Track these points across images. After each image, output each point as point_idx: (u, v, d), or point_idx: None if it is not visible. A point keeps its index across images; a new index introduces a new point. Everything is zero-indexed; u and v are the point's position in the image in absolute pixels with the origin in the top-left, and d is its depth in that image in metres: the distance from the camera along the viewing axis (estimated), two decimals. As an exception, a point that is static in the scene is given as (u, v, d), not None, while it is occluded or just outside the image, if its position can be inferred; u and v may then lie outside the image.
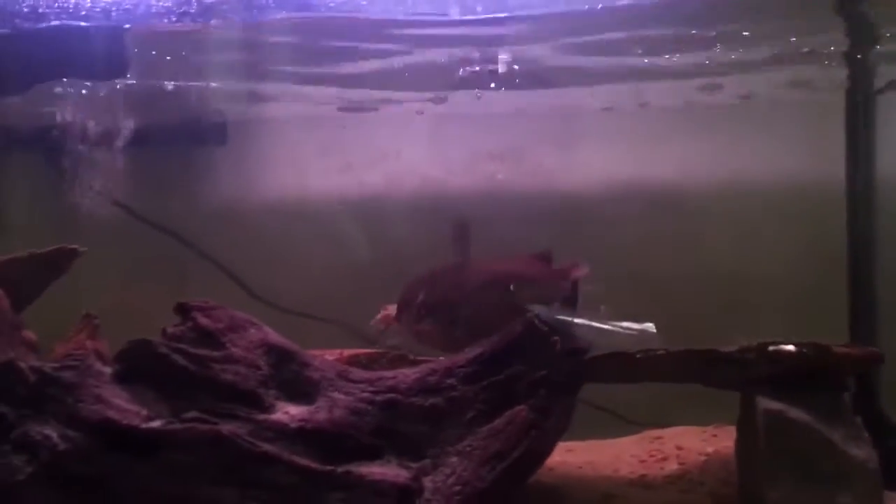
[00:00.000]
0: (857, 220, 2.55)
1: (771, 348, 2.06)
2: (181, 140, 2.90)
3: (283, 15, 2.11)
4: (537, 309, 2.37)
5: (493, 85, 2.80)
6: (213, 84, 2.73)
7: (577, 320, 2.28)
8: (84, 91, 2.61)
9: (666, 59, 2.62)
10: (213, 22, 2.11)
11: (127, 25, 2.14)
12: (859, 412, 2.23)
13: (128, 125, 2.74)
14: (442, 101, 2.82)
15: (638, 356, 2.10)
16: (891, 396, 2.48)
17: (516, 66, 2.74)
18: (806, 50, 2.61)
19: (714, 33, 2.48)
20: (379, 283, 2.90)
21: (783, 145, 2.81)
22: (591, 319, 2.28)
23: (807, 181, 2.74)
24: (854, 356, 2.12)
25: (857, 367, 2.17)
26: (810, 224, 2.72)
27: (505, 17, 2.39)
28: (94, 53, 2.34)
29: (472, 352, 1.97)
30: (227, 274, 2.88)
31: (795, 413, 2.01)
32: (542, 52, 2.68)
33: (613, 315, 2.38)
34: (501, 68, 2.73)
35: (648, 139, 2.86)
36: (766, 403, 2.05)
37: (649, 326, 2.25)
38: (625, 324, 2.26)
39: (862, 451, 1.99)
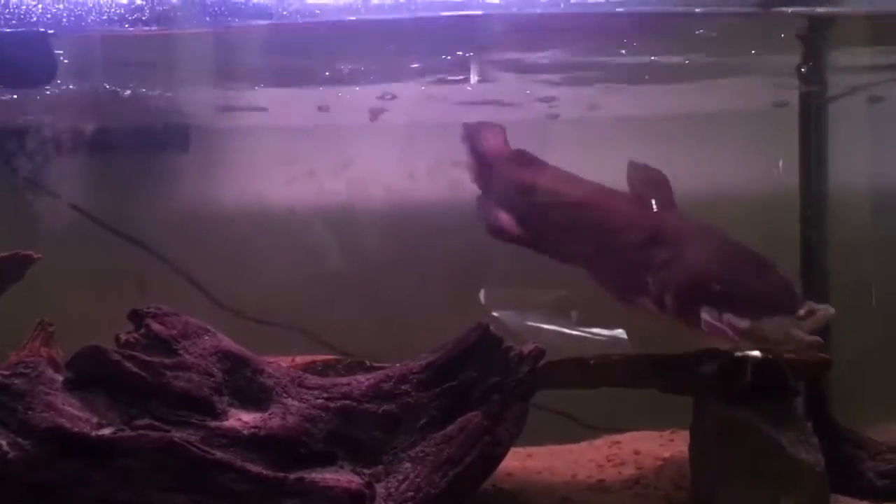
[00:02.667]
0: (810, 228, 2.59)
1: (721, 354, 2.09)
2: (142, 146, 2.89)
3: (239, 22, 2.11)
4: (506, 314, 2.39)
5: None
6: (173, 91, 2.73)
7: (546, 326, 2.30)
8: (38, 97, 2.60)
9: (616, 66, 2.66)
10: (169, 28, 2.11)
11: (52, 31, 2.13)
12: (809, 417, 2.28)
13: (87, 131, 2.73)
14: (395, 99, 2.83)
15: (591, 361, 2.13)
16: (844, 401, 2.52)
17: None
18: (761, 65, 2.66)
19: (667, 41, 2.52)
20: (341, 290, 2.94)
21: (736, 154, 2.85)
22: (561, 326, 2.31)
23: (760, 190, 2.78)
24: (802, 362, 2.16)
25: (806, 373, 2.21)
26: (764, 232, 2.76)
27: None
28: (15, 60, 2.31)
29: (426, 358, 1.98)
30: (188, 281, 2.88)
31: (745, 417, 2.05)
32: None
33: (584, 321, 2.41)
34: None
35: (600, 147, 2.89)
36: (717, 408, 2.09)
37: (619, 332, 2.28)
38: (595, 330, 2.29)
39: (810, 455, 2.03)
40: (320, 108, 2.91)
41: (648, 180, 2.19)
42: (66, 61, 2.35)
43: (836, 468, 2.10)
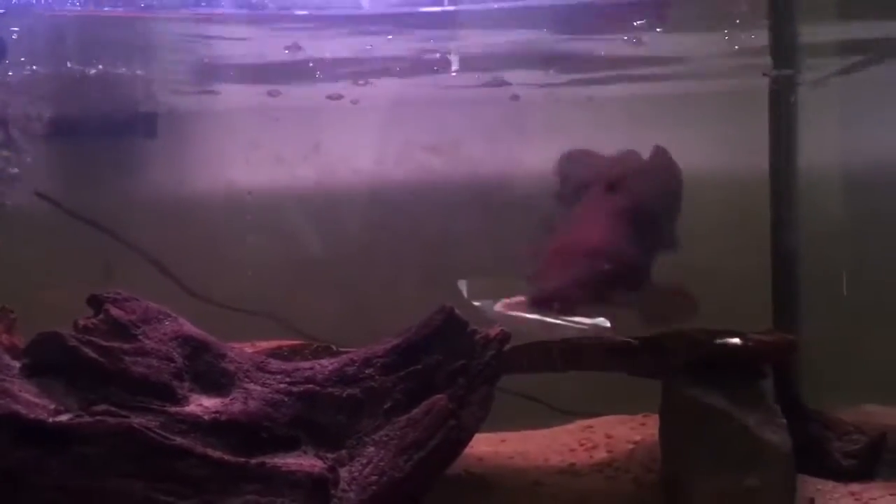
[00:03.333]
0: (780, 210, 2.58)
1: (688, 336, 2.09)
2: (109, 131, 2.85)
3: (209, 7, 2.09)
4: (484, 303, 2.37)
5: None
6: (139, 73, 2.69)
7: (527, 315, 2.28)
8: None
9: (592, 47, 2.65)
10: (136, 9, 2.08)
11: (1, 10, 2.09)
12: (778, 399, 2.28)
13: (51, 114, 2.69)
14: (368, 85, 2.81)
15: (559, 345, 2.12)
16: (814, 383, 2.53)
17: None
18: (732, 44, 2.65)
19: (638, 23, 2.51)
20: (311, 275, 2.92)
21: (707, 135, 2.84)
22: (543, 314, 2.29)
23: (731, 171, 2.77)
24: (769, 343, 2.16)
25: (773, 355, 2.21)
26: (735, 213, 2.76)
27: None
28: None
29: (390, 342, 1.97)
30: (156, 267, 2.85)
31: (712, 399, 2.05)
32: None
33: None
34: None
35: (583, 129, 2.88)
36: (684, 390, 2.08)
37: (601, 321, 2.27)
38: (577, 318, 2.28)
39: (776, 436, 2.03)
40: (270, 93, 2.88)
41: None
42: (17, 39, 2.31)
43: (803, 449, 2.11)
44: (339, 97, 2.74)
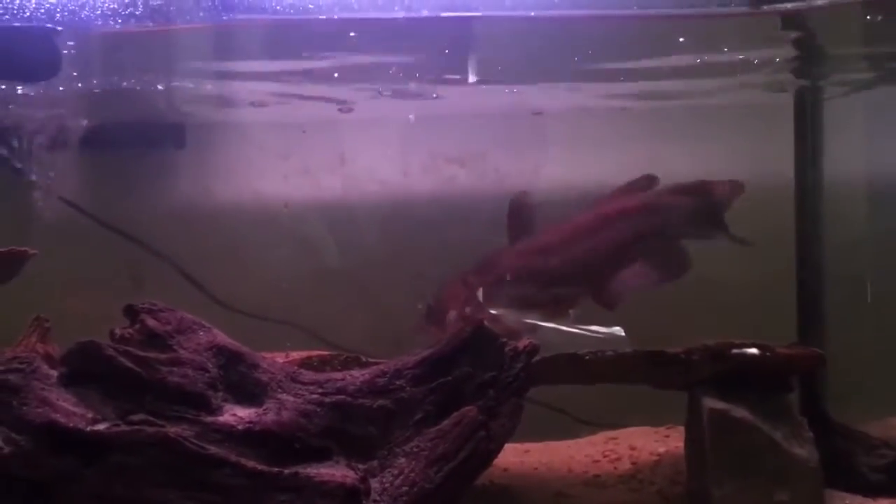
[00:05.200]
0: (804, 223, 2.59)
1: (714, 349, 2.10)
2: (138, 143, 2.89)
3: (231, 17, 2.11)
4: (508, 313, 2.40)
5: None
6: (166, 86, 2.73)
7: (544, 324, 2.30)
8: (31, 93, 2.60)
9: (619, 63, 2.66)
10: (162, 23, 2.11)
11: (59, 28, 2.13)
12: (804, 412, 2.28)
13: (83, 127, 2.73)
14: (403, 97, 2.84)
15: (586, 357, 2.13)
16: (839, 396, 2.53)
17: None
18: (756, 61, 2.66)
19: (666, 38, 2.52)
20: (337, 285, 2.94)
21: (734, 148, 2.85)
22: (559, 323, 2.31)
23: (757, 184, 2.78)
24: (796, 357, 2.16)
25: (800, 368, 2.21)
26: (760, 226, 2.77)
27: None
28: (22, 55, 2.32)
29: (421, 353, 1.99)
30: (185, 277, 2.88)
31: (739, 412, 2.06)
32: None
33: (582, 319, 2.41)
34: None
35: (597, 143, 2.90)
36: (710, 403, 2.09)
37: (617, 330, 2.28)
38: (593, 327, 2.29)
39: (804, 450, 2.03)
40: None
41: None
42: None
43: (830, 463, 2.11)
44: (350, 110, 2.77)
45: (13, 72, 2.42)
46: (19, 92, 2.62)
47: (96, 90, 2.62)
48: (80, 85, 2.56)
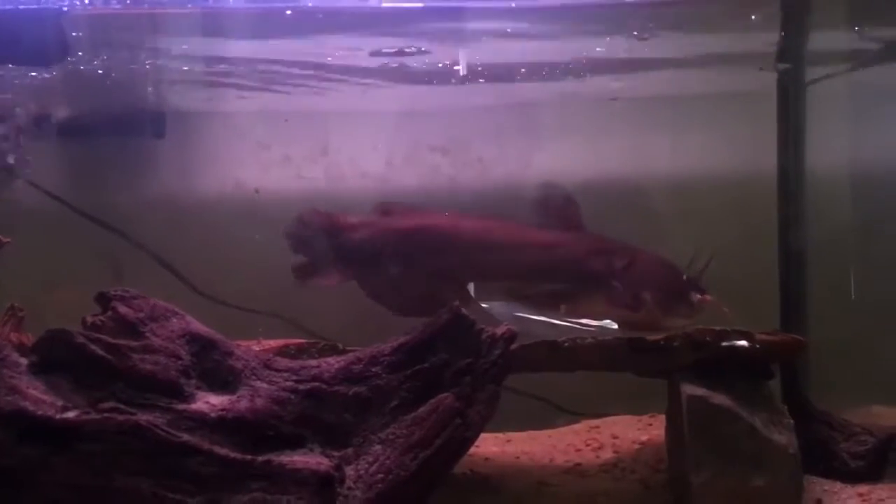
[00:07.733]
0: (788, 210, 2.58)
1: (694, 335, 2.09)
2: (117, 131, 2.86)
3: (231, 3, 2.08)
4: (494, 304, 2.38)
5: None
6: (147, 70, 2.70)
7: (535, 317, 2.29)
8: (16, 80, 2.57)
9: (603, 52, 2.65)
10: (149, 7, 2.08)
11: (64, 7, 2.09)
12: (785, 399, 2.28)
13: (60, 114, 2.70)
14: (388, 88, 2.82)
15: (566, 344, 2.12)
16: (821, 384, 2.52)
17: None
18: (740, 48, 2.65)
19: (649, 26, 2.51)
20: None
21: (716, 137, 2.84)
22: (550, 316, 2.30)
23: (740, 173, 2.77)
24: (777, 343, 2.15)
25: (780, 354, 2.20)
26: (743, 214, 2.76)
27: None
28: (31, 38, 2.29)
29: (397, 340, 1.97)
30: (164, 266, 2.86)
31: (718, 399, 2.05)
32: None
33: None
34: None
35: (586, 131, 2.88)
36: (690, 390, 2.08)
37: (608, 323, 2.28)
38: (584, 320, 2.28)
39: (783, 437, 2.02)
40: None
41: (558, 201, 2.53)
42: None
43: (810, 449, 2.11)
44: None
45: (19, 57, 2.37)
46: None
47: (76, 75, 2.58)
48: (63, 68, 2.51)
